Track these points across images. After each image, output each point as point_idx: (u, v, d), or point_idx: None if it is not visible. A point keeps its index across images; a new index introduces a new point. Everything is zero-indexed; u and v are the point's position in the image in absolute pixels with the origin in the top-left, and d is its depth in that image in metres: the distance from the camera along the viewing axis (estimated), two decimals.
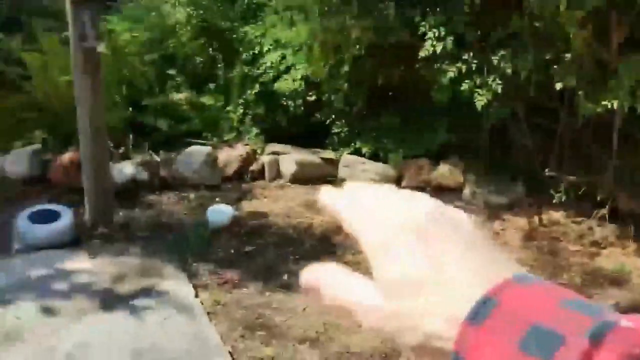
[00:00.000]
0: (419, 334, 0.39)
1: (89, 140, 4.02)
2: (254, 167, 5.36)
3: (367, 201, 0.48)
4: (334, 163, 5.47)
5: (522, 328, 0.34)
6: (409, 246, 0.42)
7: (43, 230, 4.00)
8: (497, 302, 0.36)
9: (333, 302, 0.45)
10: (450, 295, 0.38)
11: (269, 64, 5.51)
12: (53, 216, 4.16)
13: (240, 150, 5.42)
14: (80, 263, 3.83)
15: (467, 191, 5.07)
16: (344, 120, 5.59)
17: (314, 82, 5.40)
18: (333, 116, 5.57)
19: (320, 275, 0.48)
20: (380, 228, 0.44)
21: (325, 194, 0.52)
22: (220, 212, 4.49)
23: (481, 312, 0.36)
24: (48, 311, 3.33)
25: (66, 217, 4.17)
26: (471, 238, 0.42)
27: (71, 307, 3.38)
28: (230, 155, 5.35)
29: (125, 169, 4.91)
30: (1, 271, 3.67)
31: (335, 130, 5.58)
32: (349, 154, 5.51)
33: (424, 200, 0.46)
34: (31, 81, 5.34)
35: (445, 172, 5.15)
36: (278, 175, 5.37)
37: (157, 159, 5.19)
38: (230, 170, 5.27)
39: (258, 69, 5.61)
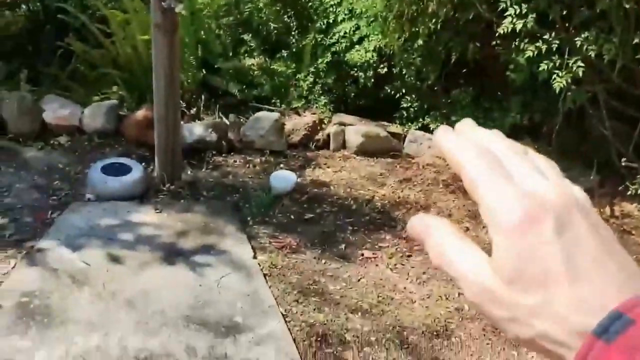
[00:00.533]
0: (529, 331, 0.36)
1: (162, 99, 4.12)
2: (319, 136, 5.37)
3: (500, 153, 0.41)
4: (400, 137, 5.41)
5: None
6: (549, 232, 0.36)
7: (114, 182, 4.17)
8: (631, 319, 0.32)
9: (438, 260, 0.42)
10: (577, 301, 0.35)
11: (342, 33, 5.47)
12: (124, 170, 4.33)
13: (307, 118, 5.44)
14: (146, 216, 3.97)
15: None
16: (413, 95, 5.50)
17: (386, 54, 5.32)
18: (403, 90, 5.49)
19: (431, 226, 0.44)
20: (522, 198, 0.37)
21: (443, 133, 0.44)
22: (283, 178, 4.54)
23: (613, 328, 0.32)
24: (114, 259, 3.48)
25: (136, 172, 4.32)
26: (609, 237, 0.37)
27: (135, 258, 3.52)
28: (297, 123, 5.38)
29: (195, 130, 5.02)
30: (74, 216, 3.86)
31: (404, 104, 5.50)
32: (416, 129, 5.44)
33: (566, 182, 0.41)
34: (112, 38, 5.51)
35: None
36: (343, 146, 5.36)
37: (227, 122, 5.28)
38: (296, 138, 5.30)
39: (331, 38, 5.57)
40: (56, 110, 4.90)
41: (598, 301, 0.34)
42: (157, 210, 4.06)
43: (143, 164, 4.52)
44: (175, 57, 4.11)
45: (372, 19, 5.41)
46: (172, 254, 3.59)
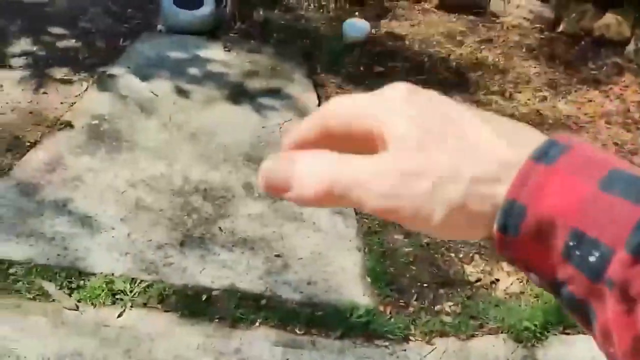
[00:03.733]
0: (459, 185, 0.30)
1: None
2: None
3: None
4: None
5: (601, 171, 0.28)
6: (427, 97, 0.35)
7: (186, 15, 4.09)
8: (568, 145, 0.29)
9: (321, 184, 0.33)
10: (500, 135, 0.32)
11: None
12: (197, 3, 4.22)
13: None
14: (215, 53, 3.93)
15: (631, 47, 4.49)
16: None
17: None
18: None
19: (293, 165, 0.35)
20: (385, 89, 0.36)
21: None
22: (356, 26, 4.34)
23: (552, 152, 0.29)
24: (181, 92, 3.51)
25: (208, 6, 4.21)
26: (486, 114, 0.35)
27: (202, 93, 3.53)
28: None
29: None
30: (145, 46, 3.86)
31: None
32: None
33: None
34: None
35: (611, 21, 4.55)
36: None
37: None
38: None
39: None
40: None
41: (523, 133, 0.32)
42: (226, 49, 4.00)
43: None
44: None
45: None
46: (238, 93, 3.58)
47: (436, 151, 0.31)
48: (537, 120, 3.78)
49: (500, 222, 0.29)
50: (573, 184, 0.28)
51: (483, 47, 4.51)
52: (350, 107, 0.36)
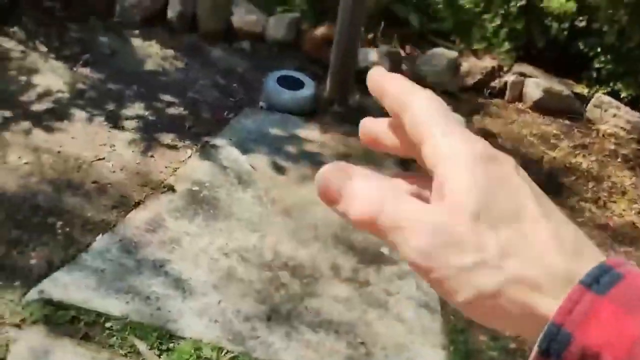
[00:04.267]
0: (498, 277, 0.30)
1: (347, 20, 4.12)
2: (495, 83, 5.11)
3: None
4: (583, 100, 5.00)
5: None
6: (511, 169, 0.33)
7: (288, 95, 4.29)
8: (621, 273, 0.28)
9: (367, 208, 0.33)
10: (557, 238, 0.30)
11: None
12: (298, 84, 4.43)
13: (486, 62, 5.18)
14: (312, 133, 4.08)
15: None
16: (609, 56, 5.01)
17: (588, 6, 4.85)
18: (598, 49, 5.01)
19: (346, 175, 0.35)
20: (479, 139, 0.34)
21: (383, 73, 0.40)
22: None
23: (604, 279, 0.28)
24: (277, 168, 3.64)
25: (309, 88, 4.41)
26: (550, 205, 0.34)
27: (297, 171, 3.65)
28: (474, 66, 5.15)
29: (370, 56, 4.98)
30: (247, 121, 4.06)
31: (596, 64, 5.04)
32: (604, 93, 4.99)
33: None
34: None
35: None
36: (519, 98, 5.07)
37: (402, 53, 5.18)
38: (470, 81, 5.09)
39: None
40: (243, 15, 5.08)
41: (580, 244, 0.31)
42: (323, 130, 4.14)
43: (315, 81, 4.60)
44: None
45: None
46: None
47: (490, 231, 0.30)
48: (632, 234, 3.67)
49: (543, 345, 0.28)
50: (623, 320, 0.27)
51: (577, 152, 4.47)
52: (432, 122, 0.35)
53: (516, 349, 2.74)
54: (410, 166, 3.88)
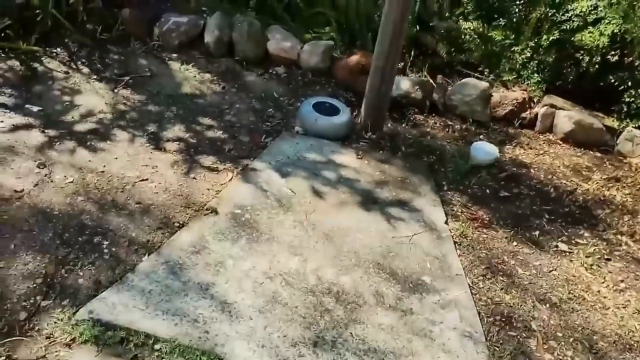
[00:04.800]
0: None
1: (385, 49, 4.16)
2: (526, 114, 5.12)
3: None
4: (614, 133, 5.01)
5: None
6: None
7: (323, 121, 4.34)
8: None
9: None
10: None
11: (577, 11, 5.10)
12: (333, 110, 4.48)
13: (516, 94, 5.21)
14: (348, 159, 4.10)
15: None
16: None
17: (622, 40, 4.89)
18: (629, 82, 5.03)
19: None
20: None
21: None
22: (484, 150, 4.43)
23: None
24: (316, 192, 3.66)
25: (344, 115, 4.46)
26: None
27: (335, 196, 3.67)
28: (504, 97, 5.18)
29: (402, 84, 5.03)
30: (284, 145, 4.10)
31: (627, 98, 5.05)
32: (635, 127, 4.99)
33: None
34: None
35: None
36: (550, 129, 5.08)
37: (433, 82, 5.23)
38: (501, 112, 5.12)
39: (563, 14, 5.22)
40: (279, 42, 5.16)
41: None
42: (359, 156, 4.17)
43: (349, 108, 4.65)
44: (407, 8, 4.10)
45: (613, 1, 4.97)
46: (369, 200, 3.70)
47: None
48: None
49: None
50: None
51: (610, 185, 4.46)
52: None
53: None
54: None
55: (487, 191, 4.14)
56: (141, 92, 4.44)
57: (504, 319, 3.04)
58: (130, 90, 4.43)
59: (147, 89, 4.49)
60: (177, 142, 3.94)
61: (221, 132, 4.17)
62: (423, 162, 4.33)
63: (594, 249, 3.70)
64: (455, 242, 3.52)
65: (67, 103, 4.11)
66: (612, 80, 5.11)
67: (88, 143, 3.74)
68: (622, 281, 3.50)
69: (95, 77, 4.50)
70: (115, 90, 4.39)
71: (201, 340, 2.52)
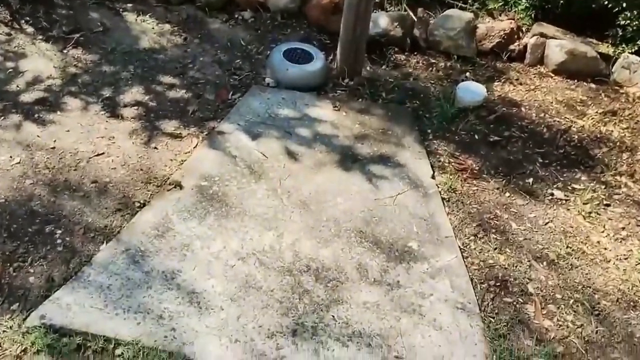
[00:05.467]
0: None
1: None
2: (514, 46, 4.76)
3: None
4: (609, 60, 4.67)
5: None
6: None
7: (295, 70, 3.98)
8: None
9: None
10: None
11: None
12: (306, 57, 4.11)
13: (504, 24, 4.82)
14: (324, 112, 3.78)
15: None
16: (635, 12, 4.65)
17: None
18: (624, 4, 4.64)
19: None
20: None
21: None
22: (471, 91, 4.10)
23: None
24: (290, 154, 3.36)
25: (318, 62, 4.09)
26: None
27: (311, 156, 3.37)
28: (491, 28, 4.79)
29: (380, 21, 4.62)
30: (254, 101, 3.75)
31: (622, 21, 4.68)
32: (631, 52, 4.65)
33: None
34: None
35: None
36: (540, 61, 4.73)
37: (414, 17, 4.82)
38: (487, 45, 4.75)
39: None
40: None
41: None
42: (335, 108, 3.84)
43: (323, 53, 4.27)
44: None
45: None
46: (348, 159, 3.40)
47: None
48: None
49: None
50: None
51: (607, 119, 4.17)
52: None
53: (564, 353, 2.52)
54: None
55: (476, 136, 3.84)
56: (94, 51, 4.04)
57: (498, 284, 2.81)
58: (81, 50, 4.03)
59: (100, 47, 4.09)
60: (136, 107, 3.59)
61: (184, 91, 3.81)
62: (406, 109, 4.01)
63: (592, 195, 3.45)
64: (443, 199, 3.26)
65: (11, 70, 3.72)
66: (605, 2, 4.72)
67: (36, 115, 3.39)
68: (623, 229, 3.28)
69: (41, 37, 4.08)
70: (65, 51, 3.99)
71: (167, 340, 2.29)
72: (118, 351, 2.23)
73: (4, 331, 2.28)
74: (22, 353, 2.21)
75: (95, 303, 2.38)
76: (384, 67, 4.48)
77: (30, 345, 2.22)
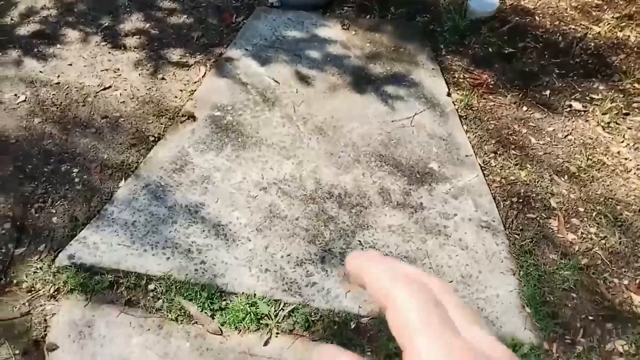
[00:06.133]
0: None
1: None
2: None
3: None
4: None
5: None
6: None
7: None
8: None
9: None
10: None
11: None
12: None
13: None
14: (333, 32, 3.64)
15: None
16: None
17: None
18: None
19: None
20: (468, 356, 0.30)
21: (361, 257, 0.37)
22: (483, 1, 3.94)
23: None
24: (302, 79, 3.26)
25: None
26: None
27: (324, 80, 3.28)
28: None
29: None
30: (260, 24, 3.61)
31: None
32: None
33: None
34: None
35: None
36: None
37: None
38: None
39: None
40: None
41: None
42: (344, 27, 3.70)
43: None
44: None
45: None
46: (362, 80, 3.31)
47: None
48: None
49: None
50: None
51: (623, 24, 4.03)
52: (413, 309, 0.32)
53: (588, 265, 2.54)
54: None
55: (490, 49, 3.72)
56: None
57: (521, 200, 2.80)
58: None
59: None
60: (138, 36, 3.45)
61: (186, 16, 3.65)
62: (416, 24, 3.86)
63: (611, 105, 3.39)
64: (460, 117, 3.19)
65: (2, 1, 3.55)
66: None
67: (35, 50, 3.27)
68: None
69: None
70: None
71: (198, 273, 2.30)
72: (151, 286, 2.24)
73: (34, 272, 2.28)
74: (56, 292, 2.22)
75: (122, 240, 2.37)
76: None
77: (63, 285, 2.23)
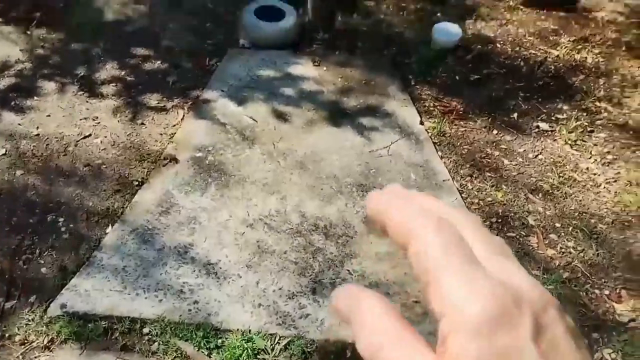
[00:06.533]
0: None
1: None
2: None
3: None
4: None
5: None
6: (526, 333, 0.28)
7: (269, 28, 3.91)
8: None
9: (371, 356, 0.31)
10: None
11: None
12: (277, 14, 4.04)
13: None
14: (305, 69, 3.75)
15: None
16: None
17: None
18: None
19: (362, 306, 0.33)
20: (495, 288, 0.29)
21: (381, 196, 0.36)
22: (447, 32, 4.10)
23: None
24: (279, 116, 3.34)
25: (291, 17, 4.02)
26: (583, 346, 0.30)
27: (300, 115, 3.36)
28: None
29: None
30: (233, 65, 3.69)
31: None
32: None
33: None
34: None
35: None
36: None
37: None
38: None
39: None
40: None
41: None
42: (315, 63, 3.81)
43: (294, 8, 4.20)
44: None
45: None
46: (337, 114, 3.40)
47: None
48: None
49: None
50: None
51: (580, 46, 4.24)
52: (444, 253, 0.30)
53: (570, 278, 2.63)
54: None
55: (457, 77, 3.87)
56: (59, 29, 3.90)
57: (500, 220, 2.90)
58: (45, 29, 3.88)
59: (64, 24, 3.94)
60: (114, 84, 3.50)
61: (160, 61, 3.73)
62: (384, 57, 4.00)
63: (576, 123, 3.54)
64: (434, 143, 3.30)
65: None
66: None
67: (12, 103, 3.29)
68: (608, 152, 3.38)
69: (1, 19, 3.91)
70: (29, 32, 3.84)
71: (192, 313, 2.31)
72: (145, 330, 2.25)
73: (27, 324, 2.27)
74: (50, 343, 2.21)
75: (113, 286, 2.38)
76: (355, 16, 4.44)
77: (57, 335, 2.22)
